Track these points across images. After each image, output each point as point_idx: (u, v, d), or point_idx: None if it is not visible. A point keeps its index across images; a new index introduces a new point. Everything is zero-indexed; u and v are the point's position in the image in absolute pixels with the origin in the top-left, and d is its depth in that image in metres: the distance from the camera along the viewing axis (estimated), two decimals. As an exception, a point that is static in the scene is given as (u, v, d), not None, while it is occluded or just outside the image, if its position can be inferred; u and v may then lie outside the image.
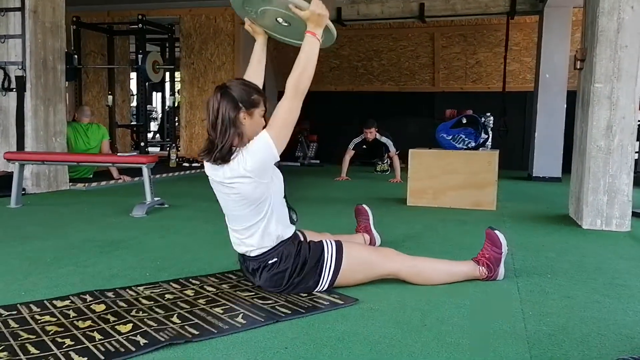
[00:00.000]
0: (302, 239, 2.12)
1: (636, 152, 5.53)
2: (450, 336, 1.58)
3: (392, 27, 7.83)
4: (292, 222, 2.01)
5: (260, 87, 2.10)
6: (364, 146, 6.38)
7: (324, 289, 1.96)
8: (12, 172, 4.06)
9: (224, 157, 1.83)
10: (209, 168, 1.92)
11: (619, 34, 3.20)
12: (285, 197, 2.01)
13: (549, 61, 6.22)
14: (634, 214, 3.46)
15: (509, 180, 5.99)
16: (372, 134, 6.20)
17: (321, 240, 2.01)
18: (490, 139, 4.41)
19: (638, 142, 5.56)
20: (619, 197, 3.26)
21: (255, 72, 2.15)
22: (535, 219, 3.71)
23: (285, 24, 1.98)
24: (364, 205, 2.73)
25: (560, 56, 6.18)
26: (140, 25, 6.85)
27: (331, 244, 1.98)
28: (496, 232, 2.09)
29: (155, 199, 3.91)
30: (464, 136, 4.16)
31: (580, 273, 2.30)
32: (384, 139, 6.27)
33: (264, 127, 1.88)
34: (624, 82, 3.21)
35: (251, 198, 1.86)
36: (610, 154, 3.26)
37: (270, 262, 1.93)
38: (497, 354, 1.45)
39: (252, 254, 1.96)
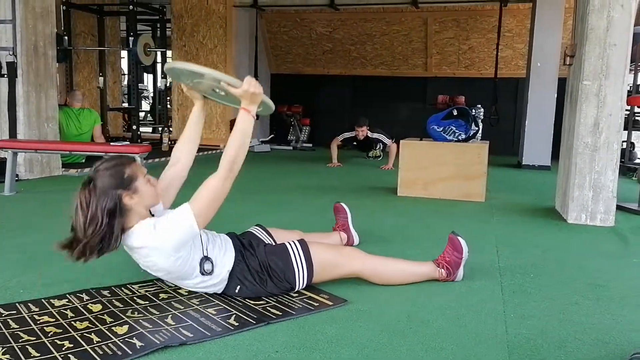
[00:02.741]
0: (259, 236, 2.17)
1: (624, 141, 5.65)
2: (435, 340, 1.65)
3: (385, 11, 7.78)
4: (202, 272, 1.88)
5: (196, 149, 2.08)
6: (354, 142, 6.41)
7: (302, 286, 2.00)
8: (5, 158, 4.07)
9: (113, 247, 1.76)
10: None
11: (608, 32, 3.23)
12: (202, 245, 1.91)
13: (540, 49, 6.24)
14: (619, 207, 3.55)
15: (499, 167, 6.06)
16: (363, 131, 6.23)
17: (283, 243, 2.04)
18: (480, 131, 4.46)
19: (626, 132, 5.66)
20: (604, 193, 3.34)
21: (193, 134, 2.10)
22: (523, 211, 3.79)
23: (223, 93, 1.95)
24: (343, 204, 2.76)
25: (552, 45, 6.20)
26: (130, 6, 6.77)
27: (295, 244, 2.01)
28: (459, 237, 2.14)
29: (148, 188, 3.93)
30: (454, 128, 4.21)
31: (563, 272, 2.38)
32: (375, 136, 6.29)
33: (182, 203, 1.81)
34: (612, 80, 3.26)
35: (171, 270, 1.83)
36: (596, 150, 3.32)
37: (236, 291, 1.94)
38: None
39: (218, 293, 1.97)
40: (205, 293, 1.98)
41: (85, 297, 1.96)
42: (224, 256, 1.95)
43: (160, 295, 1.99)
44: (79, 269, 2.27)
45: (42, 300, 1.93)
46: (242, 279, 1.94)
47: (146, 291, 2.03)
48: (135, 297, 1.96)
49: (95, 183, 1.74)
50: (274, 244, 2.17)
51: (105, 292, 2.01)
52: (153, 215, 1.90)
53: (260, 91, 1.85)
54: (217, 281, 1.92)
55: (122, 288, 2.06)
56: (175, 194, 2.08)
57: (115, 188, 1.74)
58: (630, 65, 4.70)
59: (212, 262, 1.88)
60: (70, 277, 2.17)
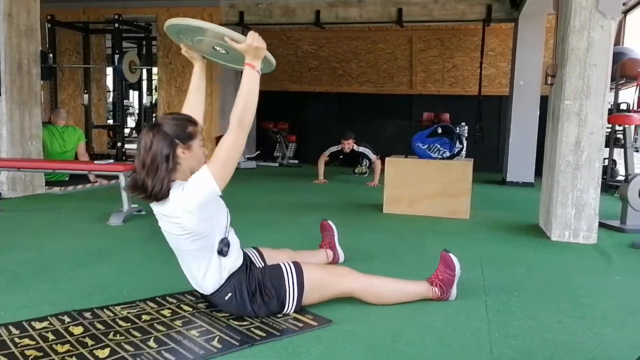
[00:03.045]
0: (254, 260, 2.15)
1: (605, 158, 5.75)
2: (420, 361, 1.64)
3: (370, 29, 7.89)
4: (219, 252, 1.92)
5: (202, 114, 2.11)
6: (341, 156, 6.44)
7: (291, 311, 1.99)
8: (-14, 177, 4.02)
9: (161, 194, 1.81)
10: (154, 203, 1.89)
11: (588, 52, 3.30)
12: (228, 226, 1.98)
13: (523, 68, 6.35)
14: (601, 225, 3.59)
15: (483, 184, 6.11)
16: (349, 144, 6.28)
17: (278, 264, 2.04)
18: (464, 149, 4.50)
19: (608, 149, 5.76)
20: (586, 211, 3.38)
21: (196, 99, 2.12)
22: (507, 229, 3.82)
23: (224, 52, 1.96)
24: (329, 222, 2.78)
25: (534, 63, 6.32)
26: (116, 24, 6.77)
27: (290, 266, 2.01)
28: (450, 255, 2.15)
29: (133, 206, 3.90)
30: (439, 146, 4.25)
31: (547, 290, 2.40)
32: (361, 149, 6.34)
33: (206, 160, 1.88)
34: (592, 100, 3.32)
35: (196, 232, 1.85)
36: (578, 169, 3.37)
37: (226, 298, 1.94)
38: (463, 380, 1.53)
39: (207, 292, 1.97)
40: (191, 307, 1.96)
41: (67, 319, 1.93)
42: (235, 251, 1.97)
43: (142, 317, 1.96)
44: (61, 290, 2.24)
45: (23, 322, 1.90)
46: (237, 286, 1.94)
47: (128, 313, 2.00)
48: (117, 319, 1.93)
49: (160, 128, 1.83)
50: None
51: (87, 314, 1.98)
52: None
53: (263, 45, 1.85)
54: (222, 275, 1.92)
55: (104, 310, 2.03)
56: None
57: (175, 137, 1.82)
58: (611, 84, 4.80)
59: (229, 246, 1.93)
60: (51, 299, 2.14)
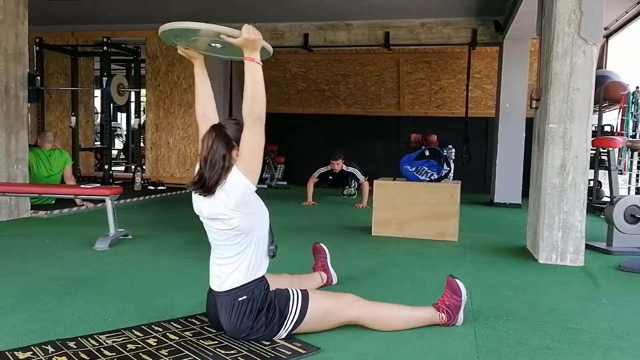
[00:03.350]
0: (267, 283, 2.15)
1: (591, 180, 5.82)
2: (409, 390, 1.63)
3: (358, 52, 7.99)
4: (271, 255, 2.06)
5: (214, 107, 2.19)
6: (330, 177, 6.47)
7: (282, 337, 1.99)
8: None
9: (210, 189, 1.91)
10: (198, 202, 1.99)
11: (571, 77, 3.37)
12: (270, 229, 2.09)
13: (508, 91, 6.46)
14: (588, 246, 3.61)
15: (471, 205, 6.15)
16: (338, 165, 6.30)
17: (287, 289, 2.05)
18: (452, 171, 4.53)
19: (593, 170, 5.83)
20: (572, 233, 3.41)
21: (204, 95, 2.18)
22: (495, 251, 3.83)
23: (219, 46, 1.99)
24: (322, 244, 2.81)
25: (519, 86, 6.43)
26: (105, 47, 6.79)
27: (297, 293, 2.02)
28: (457, 280, 2.16)
29: (119, 230, 3.86)
30: (427, 168, 4.28)
31: (535, 315, 2.40)
32: (350, 169, 6.38)
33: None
34: (576, 123, 3.37)
35: (240, 229, 1.94)
36: (564, 191, 3.41)
37: (240, 299, 1.94)
38: (452, 410, 1.51)
39: (225, 288, 1.97)
40: (177, 336, 1.96)
41: (51, 349, 1.88)
42: (262, 263, 2.03)
43: (128, 346, 1.93)
44: (45, 319, 2.20)
45: (6, 352, 1.85)
46: (256, 295, 1.95)
47: (114, 342, 1.96)
48: (102, 349, 1.90)
49: (222, 129, 1.95)
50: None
51: (71, 344, 1.94)
52: None
53: (260, 37, 1.89)
54: (248, 272, 1.97)
55: (89, 339, 1.99)
56: None
57: (233, 140, 1.94)
58: (594, 107, 4.89)
59: (276, 248, 2.07)
60: (35, 328, 2.09)
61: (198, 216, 2.04)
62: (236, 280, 1.96)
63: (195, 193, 1.98)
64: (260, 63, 1.92)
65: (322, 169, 6.41)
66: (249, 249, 1.97)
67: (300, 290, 2.06)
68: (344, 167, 6.35)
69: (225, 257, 1.99)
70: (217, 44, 1.98)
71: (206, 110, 2.16)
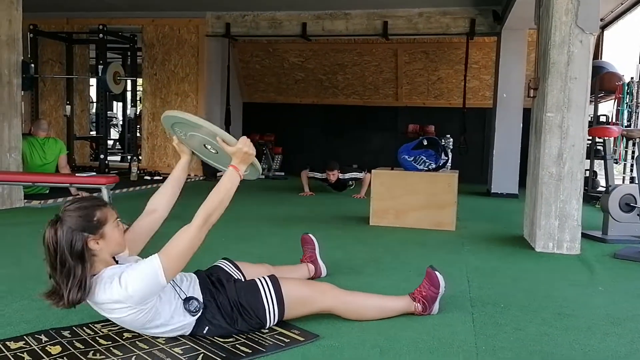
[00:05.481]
0: (229, 271, 2.11)
1: (587, 170, 5.83)
2: (407, 376, 1.62)
3: (356, 42, 7.94)
4: (192, 313, 1.83)
5: (172, 205, 2.03)
6: (326, 184, 6.24)
7: (273, 324, 1.95)
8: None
9: (81, 299, 1.67)
10: None
11: (569, 66, 3.36)
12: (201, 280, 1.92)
13: (506, 81, 6.44)
14: (584, 235, 3.62)
15: (468, 196, 6.14)
16: (334, 175, 6.07)
17: (253, 280, 1.98)
18: (450, 161, 4.52)
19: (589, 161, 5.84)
20: (569, 222, 3.41)
21: (172, 192, 2.05)
22: (492, 240, 3.83)
23: (213, 151, 1.93)
24: (310, 235, 2.73)
25: (517, 76, 6.41)
26: (101, 35, 6.73)
27: (265, 280, 1.96)
28: (436, 272, 2.13)
29: (115, 219, 3.84)
30: (424, 158, 4.27)
31: (532, 302, 2.40)
32: (347, 176, 6.17)
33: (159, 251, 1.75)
34: (573, 112, 3.37)
35: (136, 313, 1.73)
36: (561, 180, 3.40)
37: (204, 332, 1.87)
38: (450, 396, 1.51)
39: (187, 333, 1.87)
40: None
41: (44, 339, 1.87)
42: (194, 294, 1.88)
43: (124, 334, 1.91)
44: (38, 308, 2.18)
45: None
46: (210, 319, 1.87)
47: (109, 330, 1.95)
48: (97, 337, 1.88)
49: (63, 223, 1.67)
50: (243, 279, 2.12)
51: (66, 333, 1.92)
52: (117, 262, 1.82)
53: (253, 152, 1.85)
54: (182, 324, 1.84)
55: (84, 327, 1.98)
56: (145, 243, 2.00)
57: (83, 230, 1.67)
58: (590, 97, 4.88)
59: (195, 299, 1.83)
60: (28, 317, 2.07)
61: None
62: (185, 332, 1.84)
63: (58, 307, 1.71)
64: (242, 177, 1.85)
65: (317, 175, 6.20)
66: (176, 315, 1.80)
67: (268, 276, 1.98)
68: (340, 176, 6.13)
69: (152, 334, 1.84)
70: (211, 148, 1.92)
71: (161, 207, 2.03)
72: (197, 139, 1.92)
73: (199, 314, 1.83)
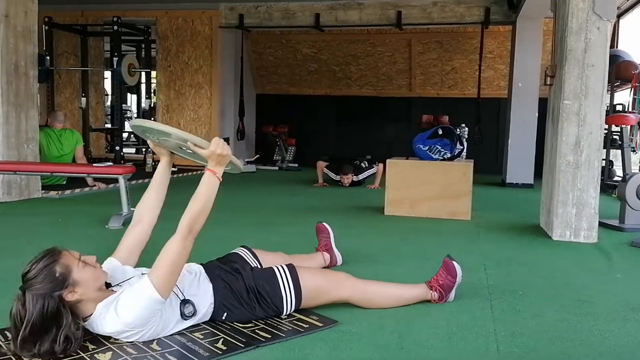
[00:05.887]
0: (247, 259, 2.12)
1: (603, 159, 5.76)
2: (426, 360, 1.63)
3: (369, 32, 7.90)
4: (186, 318, 1.81)
5: (159, 210, 1.98)
6: (340, 183, 6.14)
7: (290, 311, 1.96)
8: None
9: (76, 345, 1.60)
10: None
11: (586, 53, 3.31)
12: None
13: (521, 70, 6.37)
14: (601, 224, 3.59)
15: (483, 186, 6.10)
16: (348, 179, 5.99)
17: (271, 268, 1.99)
18: (465, 150, 4.50)
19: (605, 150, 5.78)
20: (586, 210, 3.38)
21: (157, 197, 2.00)
22: (509, 229, 3.81)
23: (190, 151, 1.88)
24: (324, 224, 2.73)
25: (532, 65, 6.33)
26: (115, 27, 6.77)
27: (283, 268, 1.97)
28: (454, 262, 2.12)
29: (132, 209, 3.87)
30: (440, 147, 4.24)
31: (550, 289, 2.39)
32: (361, 177, 6.11)
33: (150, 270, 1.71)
34: (591, 100, 3.33)
35: (152, 333, 1.72)
36: (578, 168, 3.37)
37: (223, 318, 1.89)
38: (470, 379, 1.51)
39: (205, 320, 1.89)
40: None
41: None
42: (198, 289, 1.87)
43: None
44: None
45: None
46: (228, 305, 1.89)
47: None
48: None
49: (28, 292, 1.56)
50: (259, 267, 2.13)
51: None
52: (110, 285, 1.79)
53: (227, 153, 1.77)
54: (200, 316, 1.85)
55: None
56: (140, 253, 1.98)
57: (52, 291, 1.57)
58: (607, 86, 4.81)
59: (192, 303, 1.81)
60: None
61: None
62: (203, 314, 1.86)
63: None
64: (220, 179, 1.79)
65: (332, 175, 6.12)
66: (175, 320, 1.79)
67: (286, 265, 1.99)
68: (355, 179, 6.05)
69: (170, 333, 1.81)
70: (187, 149, 1.88)
71: (147, 214, 1.97)
72: (171, 142, 1.90)
73: (191, 319, 1.82)
